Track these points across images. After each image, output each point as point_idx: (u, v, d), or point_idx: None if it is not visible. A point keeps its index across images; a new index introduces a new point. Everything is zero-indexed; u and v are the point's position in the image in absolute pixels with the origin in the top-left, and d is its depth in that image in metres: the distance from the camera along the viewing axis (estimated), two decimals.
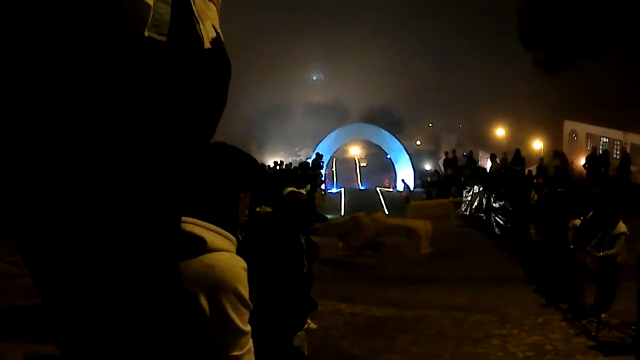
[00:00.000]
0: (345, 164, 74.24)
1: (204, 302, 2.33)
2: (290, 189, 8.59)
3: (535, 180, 27.42)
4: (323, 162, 41.58)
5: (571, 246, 14.35)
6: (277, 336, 5.34)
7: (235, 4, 50.46)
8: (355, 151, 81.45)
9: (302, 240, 7.08)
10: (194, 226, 2.41)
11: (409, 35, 75.92)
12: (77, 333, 1.80)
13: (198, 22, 1.97)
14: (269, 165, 42.32)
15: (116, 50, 1.69)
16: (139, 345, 1.90)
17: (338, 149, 65.70)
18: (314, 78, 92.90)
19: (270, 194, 11.92)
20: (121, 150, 1.73)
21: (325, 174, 47.48)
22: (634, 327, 11.82)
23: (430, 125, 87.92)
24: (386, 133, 62.14)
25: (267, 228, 6.08)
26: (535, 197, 21.13)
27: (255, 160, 2.89)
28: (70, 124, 1.65)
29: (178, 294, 2.07)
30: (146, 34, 1.75)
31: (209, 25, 2.04)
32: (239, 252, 2.66)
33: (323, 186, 40.48)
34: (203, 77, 1.98)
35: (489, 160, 36.17)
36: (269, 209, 8.42)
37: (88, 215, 1.71)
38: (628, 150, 35.93)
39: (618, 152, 40.93)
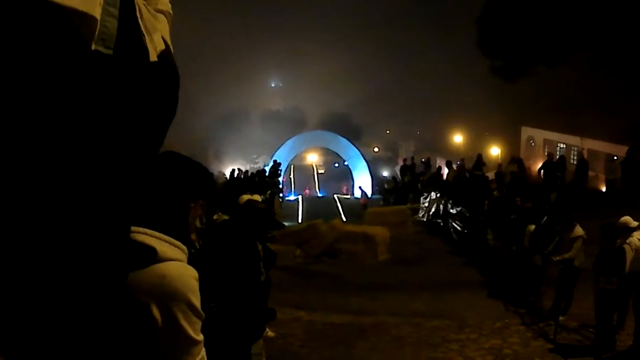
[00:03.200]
0: (302, 171, 74.26)
1: (155, 312, 2.30)
2: (247, 197, 8.55)
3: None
4: (281, 170, 41.54)
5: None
6: (235, 344, 5.30)
7: (192, 12, 50.36)
8: (312, 158, 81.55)
9: (260, 248, 7.05)
10: (145, 236, 2.38)
11: (367, 43, 76.29)
12: (23, 342, 1.77)
13: (145, 36, 1.96)
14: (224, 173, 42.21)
15: (62, 63, 1.70)
16: (88, 355, 1.88)
17: (296, 156, 65.71)
18: (272, 85, 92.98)
19: (227, 202, 11.86)
20: (68, 161, 1.71)
21: (282, 181, 47.45)
22: (591, 330, 11.94)
23: (388, 132, 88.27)
24: (344, 140, 62.26)
25: (224, 236, 6.04)
26: (487, 203, 21.24)
27: (205, 169, 2.86)
28: (18, 134, 1.64)
29: (127, 304, 2.05)
30: (93, 47, 1.77)
31: (158, 38, 2.05)
32: (197, 260, 2.64)
33: (281, 194, 40.43)
34: (150, 89, 1.97)
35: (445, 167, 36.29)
36: (226, 217, 8.37)
37: (32, 226, 1.68)
38: (585, 155, 36.26)
39: (575, 158, 41.32)
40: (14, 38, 1.62)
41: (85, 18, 1.71)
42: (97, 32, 1.76)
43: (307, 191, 65.04)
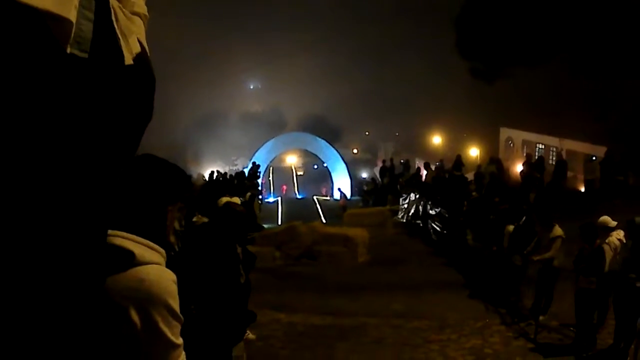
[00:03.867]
0: (282, 173, 74.18)
1: (134, 315, 2.28)
2: (225, 199, 8.52)
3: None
4: (260, 172, 41.48)
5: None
6: (215, 347, 5.28)
7: (170, 13, 50.22)
8: (292, 160, 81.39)
9: (239, 251, 7.02)
10: (123, 239, 2.37)
11: (346, 44, 76.25)
12: None
13: (120, 39, 1.94)
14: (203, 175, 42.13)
15: (37, 66, 1.69)
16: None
17: (275, 157, 65.65)
18: (251, 87, 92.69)
19: (206, 204, 11.84)
20: (42, 165, 1.71)
21: (262, 183, 47.39)
22: (572, 329, 12.01)
23: (367, 133, 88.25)
24: (323, 142, 62.21)
25: (203, 238, 6.01)
26: (466, 204, 21.28)
27: (182, 172, 2.86)
28: None
29: (105, 308, 2.03)
30: (68, 50, 1.76)
31: (134, 40, 2.04)
32: (176, 263, 2.62)
33: (260, 195, 40.34)
34: (125, 93, 1.96)
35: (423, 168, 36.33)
36: (205, 220, 8.33)
37: (7, 230, 1.66)
38: (564, 156, 36.41)
39: (554, 158, 41.50)
40: None
41: (60, 21, 1.69)
42: (72, 36, 1.74)
43: (284, 187, 65.10)
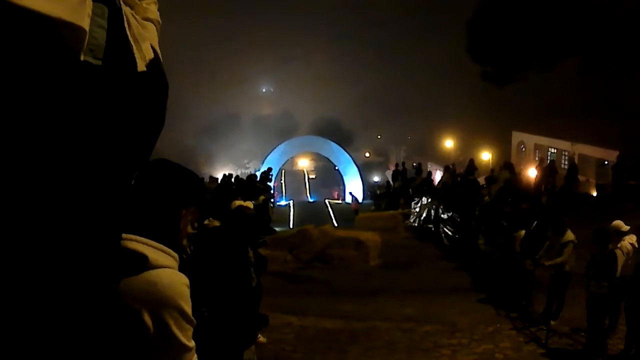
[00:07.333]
0: (294, 176, 74.13)
1: (147, 318, 2.31)
2: (238, 202, 8.53)
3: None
4: (272, 175, 41.43)
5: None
6: (227, 350, 5.29)
7: (184, 16, 50.27)
8: (304, 163, 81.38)
9: (251, 254, 7.03)
10: (136, 243, 2.40)
11: (358, 48, 76.34)
12: (13, 350, 1.76)
13: (133, 45, 1.96)
14: (217, 178, 42.12)
15: (52, 74, 1.71)
16: None
17: (287, 161, 65.64)
18: (263, 90, 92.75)
19: (219, 207, 11.84)
20: (58, 171, 1.72)
21: (274, 187, 47.32)
22: (583, 334, 11.94)
23: (379, 137, 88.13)
24: (335, 145, 62.13)
25: (215, 242, 6.02)
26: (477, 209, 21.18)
27: (196, 177, 2.89)
28: (6, 145, 1.63)
29: (118, 311, 2.05)
30: (82, 58, 1.77)
31: (147, 47, 2.06)
32: (188, 266, 2.64)
33: (272, 199, 40.28)
34: (138, 99, 1.98)
35: (438, 171, 36.11)
36: (217, 223, 8.34)
37: (23, 234, 1.68)
38: (576, 160, 36.26)
39: (566, 163, 41.30)
40: (1, 50, 1.61)
41: (73, 29, 1.72)
42: (85, 43, 1.77)
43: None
